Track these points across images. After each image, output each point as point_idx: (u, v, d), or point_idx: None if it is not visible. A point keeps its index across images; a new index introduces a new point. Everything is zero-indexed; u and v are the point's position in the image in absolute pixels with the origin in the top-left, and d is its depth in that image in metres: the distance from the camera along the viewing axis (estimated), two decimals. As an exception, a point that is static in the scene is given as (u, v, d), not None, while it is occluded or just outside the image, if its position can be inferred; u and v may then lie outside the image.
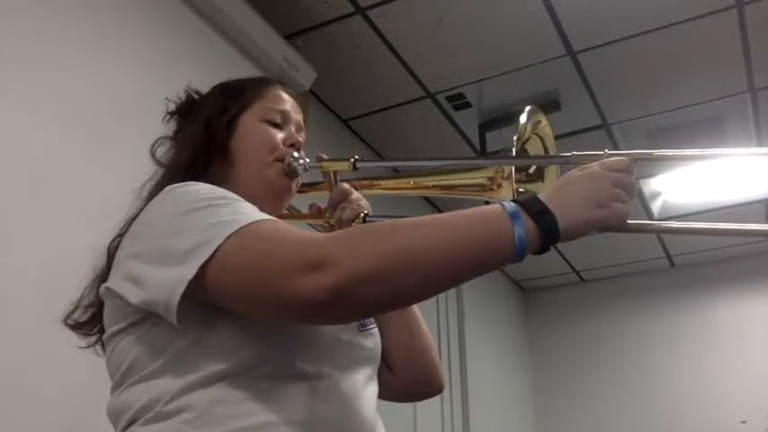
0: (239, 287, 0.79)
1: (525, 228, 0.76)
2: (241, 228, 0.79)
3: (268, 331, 0.85)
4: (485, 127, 3.32)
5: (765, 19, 2.71)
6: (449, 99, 3.17)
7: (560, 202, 0.79)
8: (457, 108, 3.23)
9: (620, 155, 0.86)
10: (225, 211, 0.82)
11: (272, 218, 0.83)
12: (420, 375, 1.10)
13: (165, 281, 0.80)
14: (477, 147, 3.37)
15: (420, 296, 0.80)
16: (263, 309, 0.80)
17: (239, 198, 0.88)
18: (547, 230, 0.77)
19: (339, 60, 2.88)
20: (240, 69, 2.23)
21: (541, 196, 0.79)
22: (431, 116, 3.28)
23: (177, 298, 0.78)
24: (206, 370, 0.82)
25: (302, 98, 2.74)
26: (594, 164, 0.84)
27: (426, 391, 1.14)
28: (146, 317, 0.85)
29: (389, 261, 0.74)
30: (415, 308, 1.12)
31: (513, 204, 0.77)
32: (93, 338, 0.99)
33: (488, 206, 0.79)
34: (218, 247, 0.78)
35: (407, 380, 1.08)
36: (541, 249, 0.78)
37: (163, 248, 0.83)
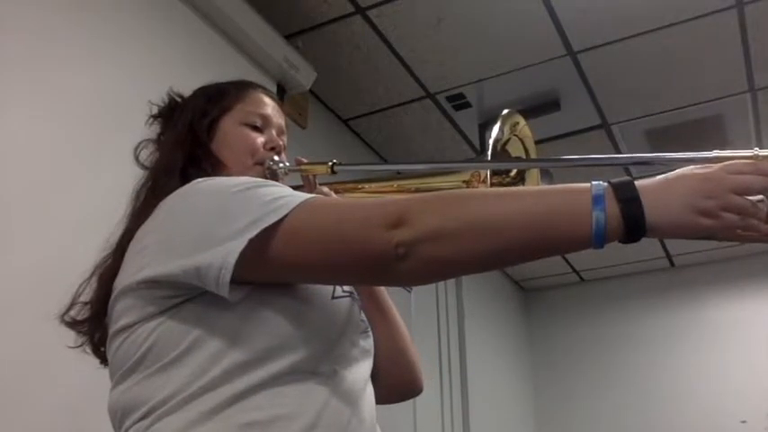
0: (313, 251, 0.79)
1: (606, 212, 0.70)
2: (306, 200, 0.81)
3: (287, 324, 0.85)
4: (485, 127, 3.32)
5: (765, 19, 2.71)
6: (449, 99, 3.17)
7: (658, 195, 0.71)
8: (457, 108, 3.23)
9: None
10: (278, 190, 0.83)
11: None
12: (400, 376, 1.11)
13: (220, 249, 0.79)
14: (477, 147, 3.37)
15: (493, 262, 0.79)
16: (339, 270, 0.81)
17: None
18: (630, 220, 0.70)
19: (339, 60, 2.88)
20: (240, 69, 2.24)
21: (640, 183, 0.72)
22: (431, 116, 3.28)
23: (235, 256, 0.77)
24: (212, 367, 0.82)
25: (302, 98, 2.75)
26: (717, 165, 0.73)
27: (406, 392, 1.15)
28: (171, 304, 0.84)
29: (464, 223, 0.75)
30: (397, 313, 1.13)
31: (601, 186, 0.72)
32: (87, 338, 0.99)
33: (578, 185, 0.74)
34: (286, 215, 0.79)
35: (389, 381, 1.08)
36: (627, 239, 0.71)
37: (211, 230, 0.81)
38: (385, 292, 1.13)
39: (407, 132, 3.40)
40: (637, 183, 0.72)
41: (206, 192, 0.87)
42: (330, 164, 1.12)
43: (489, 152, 1.06)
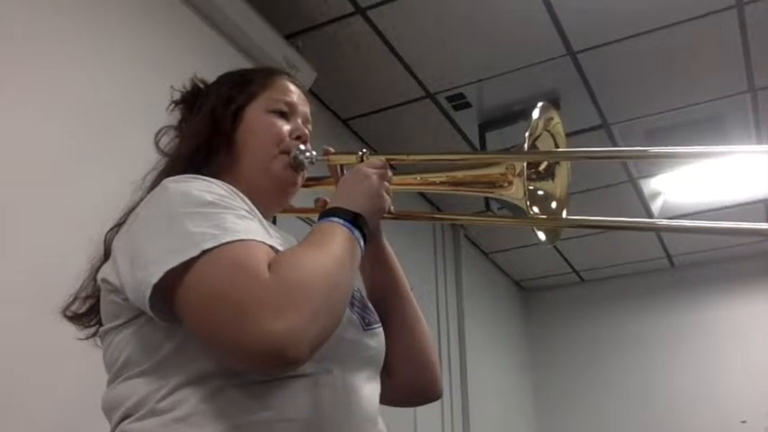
0: (195, 313, 0.78)
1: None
2: (217, 246, 0.78)
3: None
4: (485, 127, 3.32)
5: (765, 19, 2.71)
6: (449, 99, 3.17)
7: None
8: (457, 108, 3.23)
9: None
10: (207, 223, 0.81)
11: (249, 238, 0.81)
12: (418, 380, 1.09)
13: (137, 283, 0.81)
14: (478, 147, 3.37)
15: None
16: (217, 347, 0.79)
17: (231, 201, 0.87)
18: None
19: (339, 60, 2.88)
20: (240, 69, 2.23)
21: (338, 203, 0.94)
22: (431, 116, 3.28)
23: (147, 303, 0.79)
24: (201, 367, 0.82)
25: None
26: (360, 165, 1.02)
27: (422, 397, 1.12)
28: (141, 313, 0.85)
29: (320, 301, 0.78)
30: (419, 310, 1.11)
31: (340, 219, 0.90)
32: (92, 330, 0.99)
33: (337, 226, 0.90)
34: (191, 258, 0.78)
35: (404, 383, 1.06)
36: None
37: (141, 249, 0.83)
38: (407, 289, 1.11)
39: (407, 132, 3.40)
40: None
41: (158, 208, 0.87)
42: (361, 153, 1.07)
43: (526, 144, 1.02)
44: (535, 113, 1.05)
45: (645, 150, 1.08)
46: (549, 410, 4.94)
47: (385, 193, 0.98)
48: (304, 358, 0.76)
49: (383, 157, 1.04)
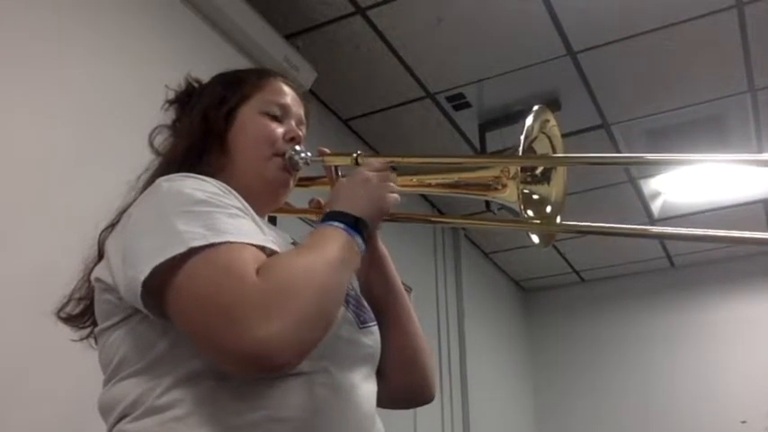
0: (183, 314, 0.79)
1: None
2: (206, 246, 0.78)
3: None
4: (485, 127, 3.33)
5: (765, 19, 2.71)
6: (449, 99, 3.17)
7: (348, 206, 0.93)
8: (457, 108, 3.23)
9: None
10: (197, 222, 0.81)
11: (239, 240, 0.81)
12: (411, 382, 1.08)
13: (128, 281, 0.81)
14: (477, 147, 3.37)
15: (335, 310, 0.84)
16: (204, 350, 0.79)
17: (224, 199, 0.87)
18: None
19: (339, 60, 2.88)
20: (240, 69, 2.23)
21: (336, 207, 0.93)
22: (431, 116, 3.28)
23: (140, 301, 0.79)
24: (195, 365, 0.82)
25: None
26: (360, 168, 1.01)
27: (416, 400, 1.11)
28: (135, 312, 0.85)
29: (308, 307, 0.78)
30: (413, 311, 1.10)
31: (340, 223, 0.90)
32: (86, 331, 0.99)
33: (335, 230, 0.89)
34: (178, 256, 0.77)
35: (398, 386, 1.05)
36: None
37: (132, 247, 0.83)
38: (401, 289, 1.11)
39: (407, 132, 3.40)
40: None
41: (150, 207, 0.87)
42: (354, 155, 1.07)
43: (521, 147, 1.01)
44: (529, 119, 1.04)
45: (640, 157, 1.08)
46: (549, 410, 4.94)
47: (386, 196, 0.97)
48: (292, 363, 0.76)
49: (383, 159, 1.03)
